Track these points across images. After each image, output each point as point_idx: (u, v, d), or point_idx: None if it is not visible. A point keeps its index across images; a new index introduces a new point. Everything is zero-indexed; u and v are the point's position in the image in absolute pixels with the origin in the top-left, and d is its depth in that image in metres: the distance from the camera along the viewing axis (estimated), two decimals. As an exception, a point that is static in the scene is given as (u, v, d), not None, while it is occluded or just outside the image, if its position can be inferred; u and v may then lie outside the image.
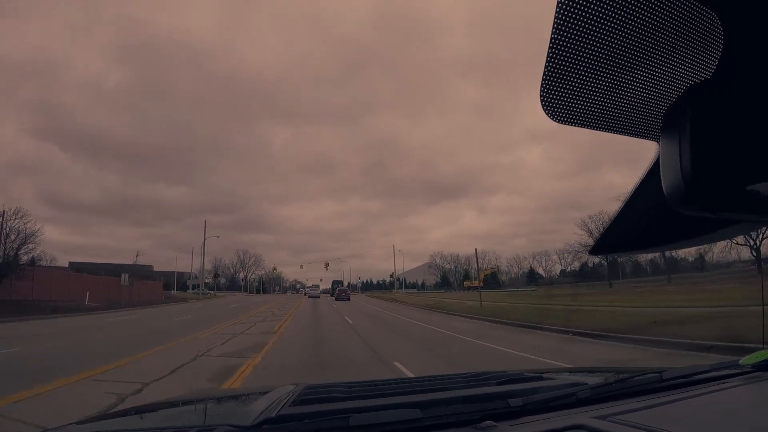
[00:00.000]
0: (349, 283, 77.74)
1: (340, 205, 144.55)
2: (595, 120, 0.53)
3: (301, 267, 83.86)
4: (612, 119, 0.54)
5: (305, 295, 69.44)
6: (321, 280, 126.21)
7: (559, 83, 0.49)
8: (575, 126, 0.53)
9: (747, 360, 1.66)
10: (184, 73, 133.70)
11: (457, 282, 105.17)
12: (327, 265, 72.52)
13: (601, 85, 0.49)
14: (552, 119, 0.52)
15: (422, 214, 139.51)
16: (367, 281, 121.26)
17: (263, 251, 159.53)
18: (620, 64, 0.47)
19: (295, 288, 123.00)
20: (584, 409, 1.33)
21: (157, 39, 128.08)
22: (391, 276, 74.48)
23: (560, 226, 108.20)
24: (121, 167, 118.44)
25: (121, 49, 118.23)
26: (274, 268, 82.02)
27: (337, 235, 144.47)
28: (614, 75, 0.48)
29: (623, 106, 0.52)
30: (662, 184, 0.41)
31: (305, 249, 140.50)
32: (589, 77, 0.48)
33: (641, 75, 0.48)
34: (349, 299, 49.34)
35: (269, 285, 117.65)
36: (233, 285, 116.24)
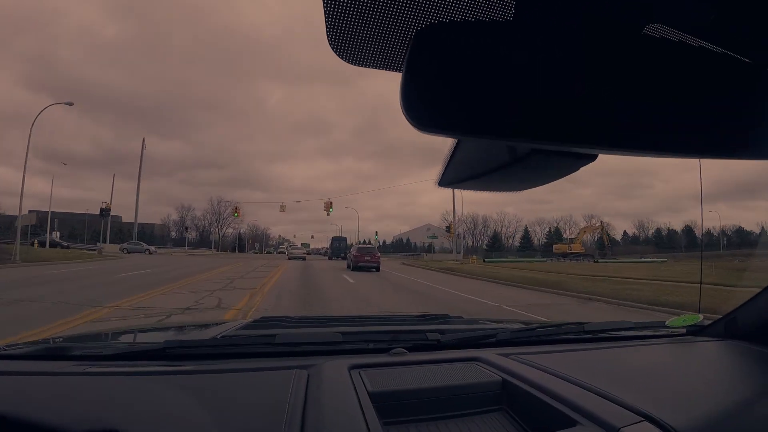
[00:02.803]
0: (363, 241, 51.00)
1: (332, 165, 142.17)
2: (351, 55, 0.54)
3: (283, 208, 52.82)
4: (366, 52, 0.54)
5: (288, 257, 43.57)
6: (312, 236, 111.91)
7: (339, 19, 0.49)
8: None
9: (673, 322, 1.67)
10: (180, 28, 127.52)
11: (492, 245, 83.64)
12: (329, 205, 45.21)
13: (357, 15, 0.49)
14: (341, 58, 0.54)
15: (414, 177, 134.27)
16: (364, 241, 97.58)
17: (254, 209, 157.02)
18: None
19: (277, 247, 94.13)
20: (497, 350, 1.37)
21: None
22: (449, 229, 45.95)
23: (554, 196, 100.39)
24: (114, 120, 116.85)
25: (117, 1, 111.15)
26: (236, 210, 52.20)
27: (328, 195, 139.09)
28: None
29: (373, 38, 0.52)
30: (401, 107, 0.45)
31: (297, 207, 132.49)
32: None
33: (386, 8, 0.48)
34: (378, 269, 24.29)
35: (251, 242, 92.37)
36: (204, 241, 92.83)
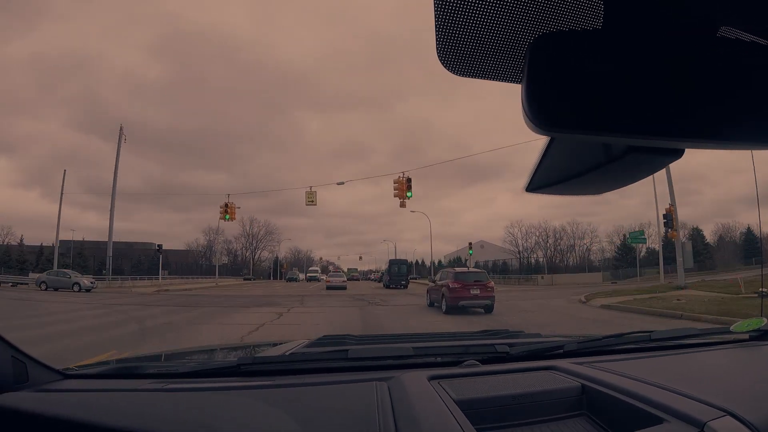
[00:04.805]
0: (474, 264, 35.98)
1: (373, 188, 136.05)
2: (468, 67, 0.58)
3: (311, 197, 26.72)
4: (489, 65, 0.58)
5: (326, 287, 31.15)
6: (360, 258, 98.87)
7: (451, 33, 0.53)
8: (469, 77, 0.58)
9: (738, 327, 1.64)
10: (220, 66, 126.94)
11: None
12: (406, 186, 22.73)
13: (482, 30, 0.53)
14: (449, 71, 0.57)
15: (454, 196, 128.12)
16: (418, 262, 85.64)
17: (298, 234, 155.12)
18: (487, 10, 0.51)
19: (307, 271, 67.40)
20: (568, 360, 1.37)
21: (195, 34, 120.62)
22: (669, 224, 21.18)
23: (600, 208, 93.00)
24: (159, 155, 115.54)
25: (160, 44, 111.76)
26: (226, 210, 28.97)
27: (370, 218, 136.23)
28: (486, 21, 0.52)
29: (495, 51, 0.56)
30: (523, 114, 0.48)
31: (339, 232, 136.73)
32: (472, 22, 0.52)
33: (503, 22, 0.53)
34: (490, 309, 13.31)
35: (285, 267, 74.60)
36: (235, 269, 76.00)
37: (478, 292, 13.32)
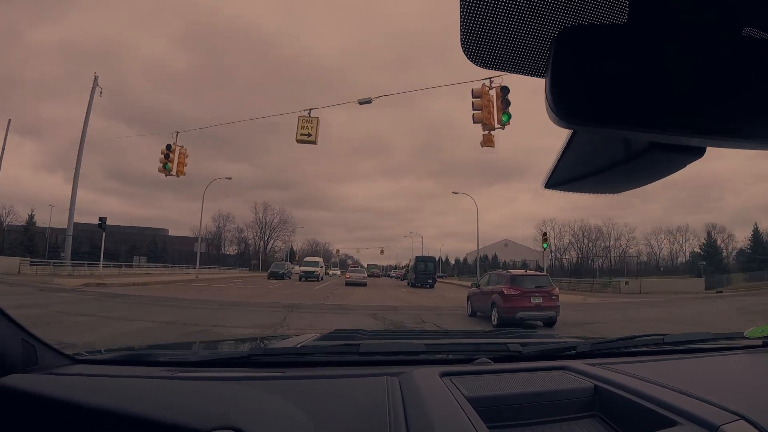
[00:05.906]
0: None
1: (392, 184, 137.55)
2: (494, 60, 0.57)
3: (306, 127, 15.01)
4: (512, 59, 0.58)
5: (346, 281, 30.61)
6: (382, 252, 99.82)
7: (475, 24, 0.53)
8: (492, 69, 0.57)
9: (752, 332, 1.64)
10: (247, 59, 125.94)
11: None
12: (502, 98, 12.15)
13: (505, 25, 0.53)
14: (473, 63, 0.56)
15: (475, 195, 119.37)
16: (442, 259, 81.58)
17: (318, 228, 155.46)
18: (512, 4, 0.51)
19: (304, 263, 41.04)
20: (581, 361, 1.37)
21: (221, 27, 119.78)
22: None
23: (621, 212, 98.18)
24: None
25: (186, 35, 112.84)
26: (167, 156, 17.93)
27: (390, 213, 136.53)
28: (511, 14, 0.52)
29: (520, 45, 0.56)
30: (546, 106, 0.49)
31: (359, 226, 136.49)
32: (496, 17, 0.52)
33: (531, 15, 0.53)
34: (553, 321, 10.76)
35: (296, 260, 67.69)
36: (240, 259, 70.89)
37: (541, 301, 10.96)
